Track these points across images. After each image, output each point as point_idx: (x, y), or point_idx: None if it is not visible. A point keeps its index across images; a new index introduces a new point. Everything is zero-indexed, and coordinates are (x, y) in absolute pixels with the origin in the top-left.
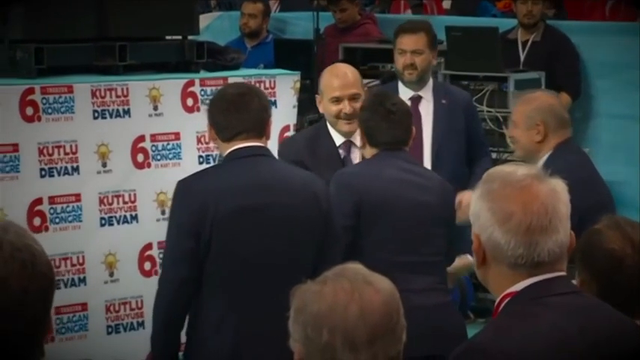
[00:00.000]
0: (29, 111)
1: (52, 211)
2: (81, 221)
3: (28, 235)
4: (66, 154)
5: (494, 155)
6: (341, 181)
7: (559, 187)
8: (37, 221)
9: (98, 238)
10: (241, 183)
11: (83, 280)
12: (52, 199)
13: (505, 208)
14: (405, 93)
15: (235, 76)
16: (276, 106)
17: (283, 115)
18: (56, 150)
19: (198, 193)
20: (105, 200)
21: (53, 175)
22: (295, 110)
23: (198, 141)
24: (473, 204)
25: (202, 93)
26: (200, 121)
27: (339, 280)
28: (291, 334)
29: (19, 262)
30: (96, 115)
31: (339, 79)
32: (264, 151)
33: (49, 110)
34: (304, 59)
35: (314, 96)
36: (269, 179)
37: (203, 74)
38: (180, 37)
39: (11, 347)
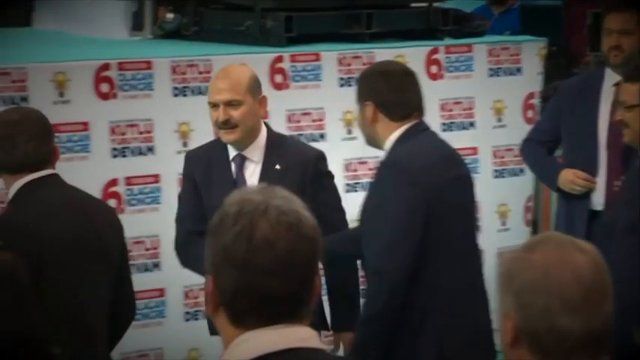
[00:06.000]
0: (278, 79)
1: None
2: None
3: (295, 200)
4: (313, 121)
5: None
6: None
7: None
8: None
9: (343, 203)
10: (439, 154)
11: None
12: None
13: None
14: (611, 79)
15: (480, 43)
16: (521, 73)
17: (528, 82)
18: (304, 117)
19: (412, 168)
20: (350, 167)
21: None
22: (540, 77)
23: (442, 108)
24: None
25: (447, 60)
26: (443, 89)
27: (545, 245)
28: (501, 306)
29: (285, 225)
30: (342, 83)
31: (217, 80)
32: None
33: (297, 78)
34: (551, 25)
35: (561, 63)
36: (448, 150)
37: (448, 41)
38: (425, 4)
39: (279, 307)
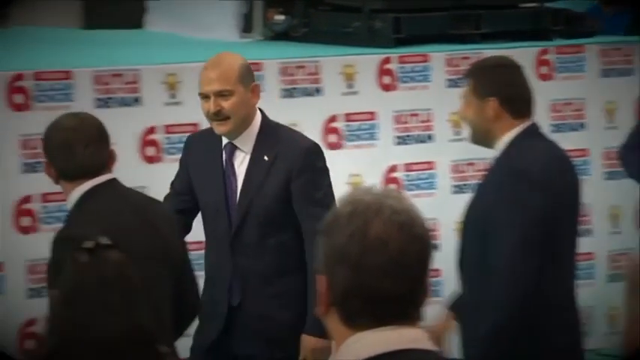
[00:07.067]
0: (386, 80)
1: (406, 177)
2: (435, 188)
3: (407, 200)
4: (422, 122)
5: None
6: None
7: None
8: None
9: (451, 205)
10: (556, 158)
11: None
12: (407, 167)
13: None
14: None
15: (591, 44)
16: (633, 74)
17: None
18: (411, 118)
19: (539, 172)
20: (458, 168)
21: (408, 143)
22: None
23: (553, 109)
24: None
25: (558, 61)
26: (554, 90)
27: None
28: (629, 310)
29: (397, 225)
30: (450, 84)
31: (207, 71)
32: None
33: (405, 79)
34: None
35: None
36: (562, 152)
37: (558, 42)
38: (536, 4)
39: (391, 307)
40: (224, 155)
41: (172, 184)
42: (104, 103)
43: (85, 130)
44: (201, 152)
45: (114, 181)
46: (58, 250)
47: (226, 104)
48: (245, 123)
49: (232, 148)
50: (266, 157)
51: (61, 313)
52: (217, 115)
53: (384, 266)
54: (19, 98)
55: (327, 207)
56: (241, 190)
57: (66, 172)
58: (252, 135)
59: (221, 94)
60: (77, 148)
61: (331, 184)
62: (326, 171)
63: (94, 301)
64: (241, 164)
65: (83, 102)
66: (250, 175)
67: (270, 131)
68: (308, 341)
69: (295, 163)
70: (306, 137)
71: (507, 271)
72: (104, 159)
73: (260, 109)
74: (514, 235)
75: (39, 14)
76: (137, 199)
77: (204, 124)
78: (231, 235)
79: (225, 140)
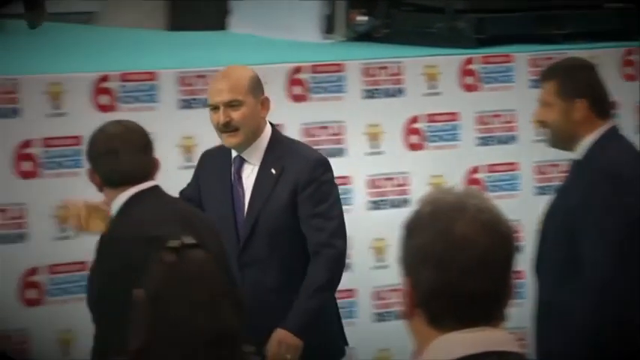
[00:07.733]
0: (468, 80)
1: (488, 179)
2: (518, 190)
3: (489, 200)
4: (505, 123)
5: None
6: None
7: None
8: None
9: (534, 206)
10: (638, 157)
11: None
12: (489, 168)
13: None
14: None
15: None
16: None
17: None
18: (494, 119)
19: (631, 177)
20: (541, 169)
21: (490, 144)
22: None
23: (639, 110)
24: None
25: None
26: (639, 90)
27: None
28: None
29: (482, 224)
30: (533, 84)
31: (216, 82)
32: None
33: (488, 79)
34: None
35: None
36: None
37: None
38: (621, 4)
39: (476, 307)
40: (233, 168)
41: (182, 192)
42: (188, 104)
43: (131, 138)
44: (213, 167)
45: (157, 188)
46: (106, 250)
47: (236, 115)
48: (254, 135)
49: (241, 161)
50: (273, 170)
51: (148, 312)
52: (226, 127)
53: (469, 265)
54: (104, 99)
55: (332, 219)
56: (249, 203)
57: (111, 179)
58: (261, 148)
59: (231, 105)
60: (123, 155)
61: (339, 197)
62: (333, 184)
63: (181, 300)
64: (249, 177)
65: (167, 103)
66: (258, 188)
67: (279, 144)
68: (279, 334)
69: (301, 176)
70: (314, 150)
71: (602, 274)
72: (149, 166)
73: (271, 123)
74: (610, 238)
75: (125, 16)
76: (180, 207)
77: (287, 126)
78: (239, 248)
79: (234, 153)
